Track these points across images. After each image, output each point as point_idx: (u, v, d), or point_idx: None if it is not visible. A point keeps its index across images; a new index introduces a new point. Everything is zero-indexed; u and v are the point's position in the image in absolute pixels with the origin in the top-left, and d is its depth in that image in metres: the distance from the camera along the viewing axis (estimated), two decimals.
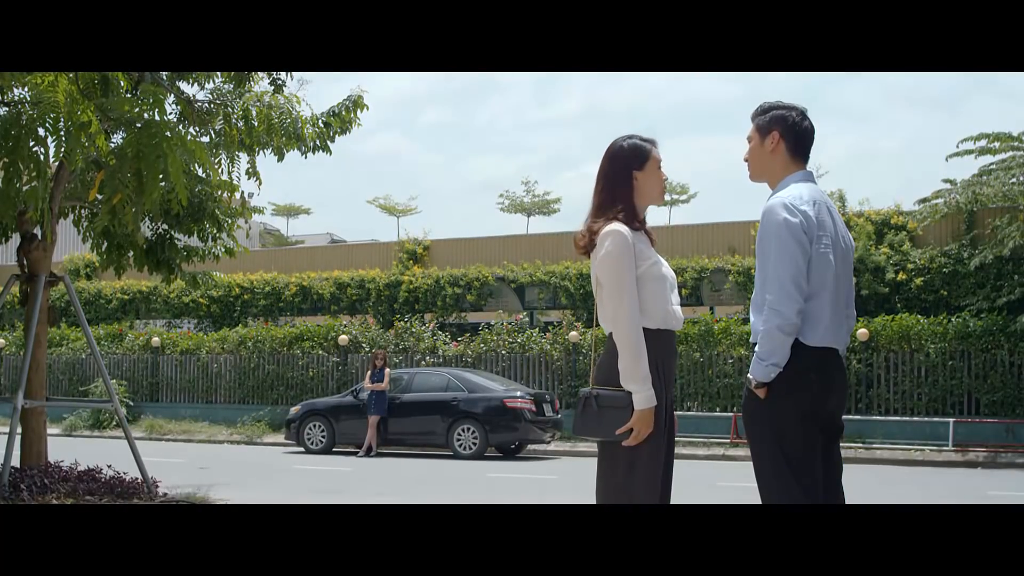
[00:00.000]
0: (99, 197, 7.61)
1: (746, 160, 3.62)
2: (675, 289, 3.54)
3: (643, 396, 3.30)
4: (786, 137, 3.51)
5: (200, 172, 8.02)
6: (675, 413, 3.66)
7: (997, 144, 16.70)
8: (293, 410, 17.49)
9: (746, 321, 18.53)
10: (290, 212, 58.24)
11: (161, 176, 5.92)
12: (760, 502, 3.32)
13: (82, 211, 8.75)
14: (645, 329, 3.37)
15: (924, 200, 17.89)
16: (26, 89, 6.09)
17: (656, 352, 3.39)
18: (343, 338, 20.68)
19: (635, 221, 3.49)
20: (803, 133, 3.52)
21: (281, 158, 8.25)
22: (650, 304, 3.41)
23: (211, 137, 8.07)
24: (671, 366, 3.50)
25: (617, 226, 3.43)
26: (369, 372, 16.75)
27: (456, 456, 15.69)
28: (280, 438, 18.47)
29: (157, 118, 5.92)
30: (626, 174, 3.51)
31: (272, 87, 7.82)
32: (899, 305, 18.59)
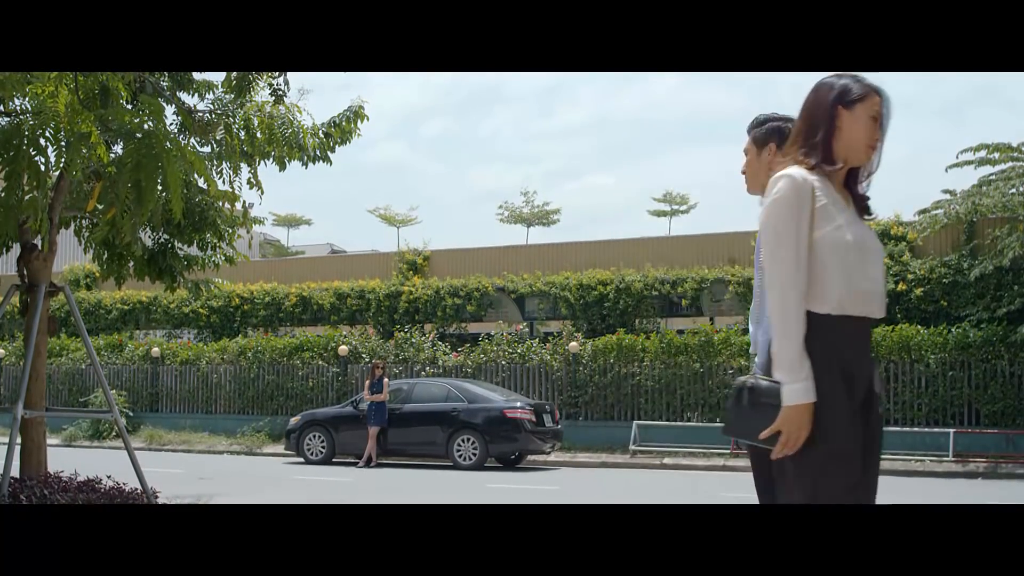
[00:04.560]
0: (98, 207, 7.63)
1: (743, 173, 3.62)
2: (877, 264, 2.83)
3: (793, 388, 2.65)
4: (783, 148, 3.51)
5: (201, 183, 8.04)
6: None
7: (997, 155, 16.72)
8: (293, 420, 17.49)
9: (746, 331, 18.53)
10: (290, 223, 58.28)
11: (159, 187, 5.93)
12: None
13: (83, 221, 8.76)
14: (813, 314, 2.72)
15: (924, 211, 17.91)
16: (27, 99, 6.11)
17: (830, 343, 2.72)
18: (343, 348, 20.69)
19: (827, 166, 2.83)
20: None
21: (283, 167, 8.27)
22: (823, 280, 2.73)
23: (212, 147, 8.09)
24: (861, 363, 2.78)
25: (794, 171, 2.79)
26: (368, 382, 16.75)
27: (456, 467, 15.68)
28: (280, 448, 18.46)
29: (157, 129, 5.94)
30: (828, 107, 2.86)
31: (273, 97, 7.85)
32: (899, 315, 18.60)
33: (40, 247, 7.68)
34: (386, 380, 16.64)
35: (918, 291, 18.49)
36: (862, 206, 2.91)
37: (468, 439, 15.81)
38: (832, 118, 2.83)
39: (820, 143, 2.82)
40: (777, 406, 2.66)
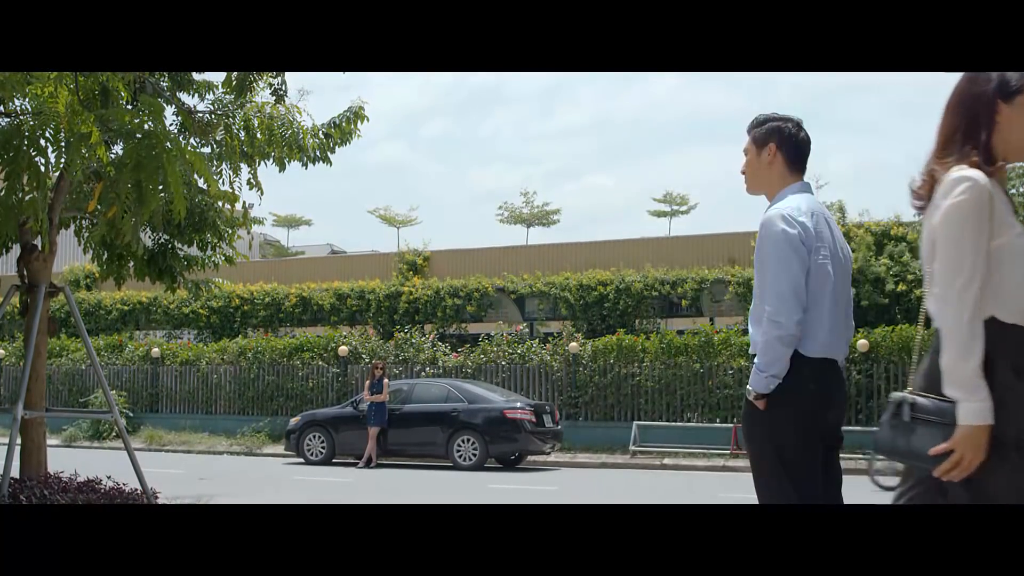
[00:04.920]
0: (99, 208, 7.63)
1: (743, 173, 3.63)
2: None
3: (971, 407, 2.47)
4: (783, 148, 3.52)
5: (201, 183, 8.04)
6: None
7: None
8: (293, 421, 17.49)
9: (746, 332, 18.49)
10: (291, 223, 58.32)
11: (160, 187, 5.94)
12: None
13: (83, 221, 8.76)
14: (995, 320, 2.53)
15: None
16: (27, 99, 6.12)
17: (1012, 354, 2.53)
18: (343, 349, 20.68)
19: (988, 165, 2.62)
20: (800, 144, 3.53)
21: (283, 168, 8.28)
22: (1010, 288, 2.54)
23: (212, 148, 8.09)
24: None
25: (974, 173, 2.56)
26: (368, 383, 16.75)
27: (456, 467, 15.67)
28: (280, 449, 18.46)
29: (157, 129, 5.94)
30: (988, 102, 2.66)
31: (273, 97, 7.85)
32: (899, 316, 18.60)
33: (40, 247, 7.68)
34: (386, 380, 16.64)
35: (918, 291, 18.47)
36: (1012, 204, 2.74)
37: (468, 439, 15.81)
38: (993, 113, 2.65)
39: (983, 144, 2.64)
40: (941, 424, 2.51)
